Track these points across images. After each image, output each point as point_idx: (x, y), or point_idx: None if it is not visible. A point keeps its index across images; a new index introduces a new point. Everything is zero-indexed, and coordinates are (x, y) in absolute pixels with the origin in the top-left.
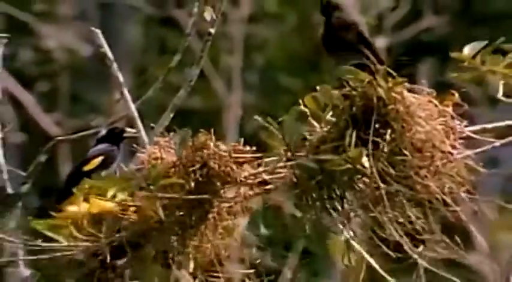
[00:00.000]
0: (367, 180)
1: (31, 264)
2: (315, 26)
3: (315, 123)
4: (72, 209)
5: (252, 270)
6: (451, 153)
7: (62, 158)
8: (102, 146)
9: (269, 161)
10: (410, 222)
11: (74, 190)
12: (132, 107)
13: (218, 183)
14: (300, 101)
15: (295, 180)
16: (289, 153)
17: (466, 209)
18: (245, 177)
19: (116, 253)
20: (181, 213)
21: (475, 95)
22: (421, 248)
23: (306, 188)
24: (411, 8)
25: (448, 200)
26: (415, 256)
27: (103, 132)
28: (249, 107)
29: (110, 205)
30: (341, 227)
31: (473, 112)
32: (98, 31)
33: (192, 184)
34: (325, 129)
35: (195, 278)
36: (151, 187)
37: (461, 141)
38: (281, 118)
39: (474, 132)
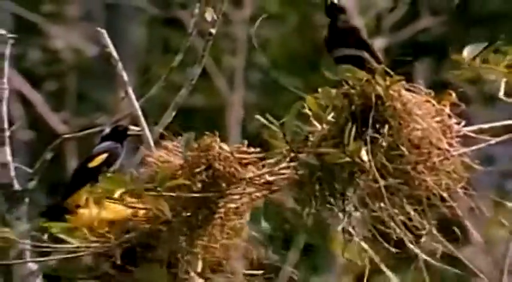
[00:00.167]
0: (366, 176)
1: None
2: (316, 27)
3: (317, 124)
4: (85, 212)
5: (260, 271)
6: (448, 151)
7: (69, 155)
8: (106, 144)
9: (273, 162)
10: (409, 219)
11: (85, 194)
12: (136, 105)
13: (223, 184)
14: (301, 100)
15: (297, 178)
16: (291, 153)
17: (462, 204)
18: (250, 178)
19: (127, 255)
20: (188, 213)
21: (470, 93)
22: (420, 241)
23: (308, 184)
24: (409, 9)
25: (445, 195)
26: (417, 250)
27: (107, 130)
28: (251, 105)
29: (122, 209)
30: (341, 221)
31: (469, 110)
32: (104, 31)
33: (199, 185)
34: (326, 128)
35: (203, 278)
36: (159, 188)
37: (458, 139)
38: (283, 119)
39: (471, 131)
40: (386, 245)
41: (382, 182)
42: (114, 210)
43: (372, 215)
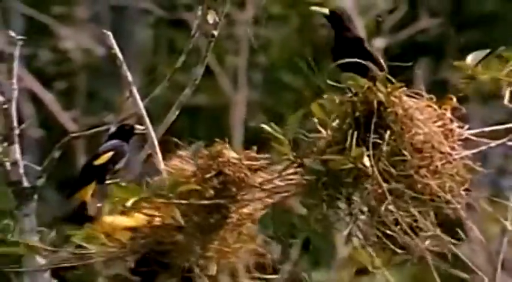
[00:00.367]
0: (370, 181)
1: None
2: (316, 28)
3: (322, 130)
4: (108, 220)
5: (275, 276)
6: (450, 154)
7: (78, 152)
8: (112, 142)
9: (281, 168)
10: (414, 221)
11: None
12: (140, 104)
13: (234, 189)
14: (302, 100)
15: (304, 183)
16: (298, 160)
17: (460, 202)
18: (260, 183)
19: (143, 262)
20: (200, 218)
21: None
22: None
23: (314, 189)
24: (408, 11)
25: (448, 197)
26: (424, 252)
27: (114, 128)
28: (254, 103)
29: (142, 217)
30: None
31: (465, 108)
32: (109, 33)
33: (212, 191)
34: (330, 134)
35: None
36: (170, 195)
37: (460, 142)
38: (286, 125)
39: (471, 133)
40: (392, 246)
41: (385, 186)
42: (134, 218)
43: (378, 218)
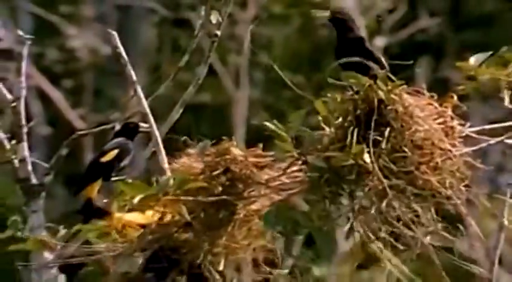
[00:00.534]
0: (372, 177)
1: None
2: (317, 27)
3: (326, 127)
4: (118, 216)
5: (285, 271)
6: (450, 151)
7: (86, 149)
8: (118, 140)
9: (285, 166)
10: (416, 216)
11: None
12: (144, 103)
13: (241, 186)
14: (303, 99)
15: (307, 179)
16: (302, 157)
17: (460, 198)
18: (266, 180)
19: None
20: (209, 215)
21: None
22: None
23: (317, 185)
24: (407, 10)
25: (449, 193)
26: (429, 247)
27: (118, 127)
28: (255, 101)
29: (151, 214)
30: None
31: (465, 105)
32: (114, 33)
33: (220, 188)
34: (333, 131)
35: (224, 278)
36: (178, 191)
37: (460, 140)
38: (288, 122)
39: (472, 131)
40: (395, 243)
41: (386, 183)
42: (143, 215)
43: (380, 214)
